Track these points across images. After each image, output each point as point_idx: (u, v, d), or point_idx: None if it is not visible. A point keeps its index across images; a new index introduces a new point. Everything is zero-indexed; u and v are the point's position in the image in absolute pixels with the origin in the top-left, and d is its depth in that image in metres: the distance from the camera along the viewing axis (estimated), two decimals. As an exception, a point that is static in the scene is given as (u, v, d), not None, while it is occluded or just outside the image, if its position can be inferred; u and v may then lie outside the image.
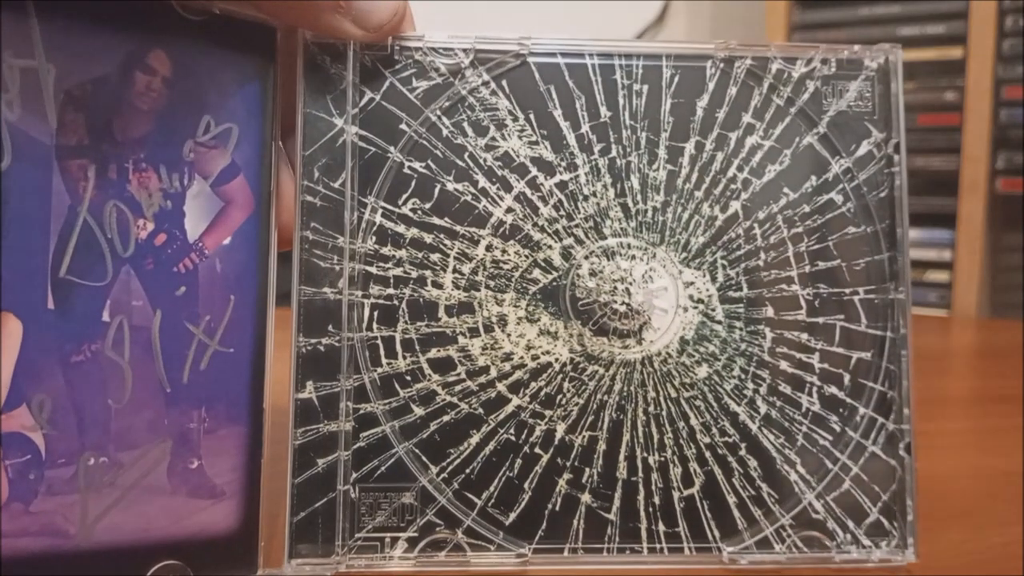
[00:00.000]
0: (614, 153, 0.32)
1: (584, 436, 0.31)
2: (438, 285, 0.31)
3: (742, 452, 0.31)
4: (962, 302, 1.29)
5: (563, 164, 0.31)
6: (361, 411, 0.30)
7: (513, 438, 0.31)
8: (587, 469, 0.31)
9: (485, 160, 0.31)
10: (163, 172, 0.28)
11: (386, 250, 0.31)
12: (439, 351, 0.31)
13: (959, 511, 0.31)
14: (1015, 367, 0.66)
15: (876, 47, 0.32)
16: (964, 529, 0.30)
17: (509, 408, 0.31)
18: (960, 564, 0.30)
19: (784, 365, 0.32)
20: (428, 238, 0.31)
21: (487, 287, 0.31)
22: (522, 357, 0.31)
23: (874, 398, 0.31)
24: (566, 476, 0.31)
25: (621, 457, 0.31)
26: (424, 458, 0.30)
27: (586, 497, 0.31)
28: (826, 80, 0.32)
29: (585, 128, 0.31)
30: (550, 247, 0.31)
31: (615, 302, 0.31)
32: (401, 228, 0.31)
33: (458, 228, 0.31)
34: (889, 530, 0.31)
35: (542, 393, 0.31)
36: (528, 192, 0.31)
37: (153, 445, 0.27)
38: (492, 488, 0.30)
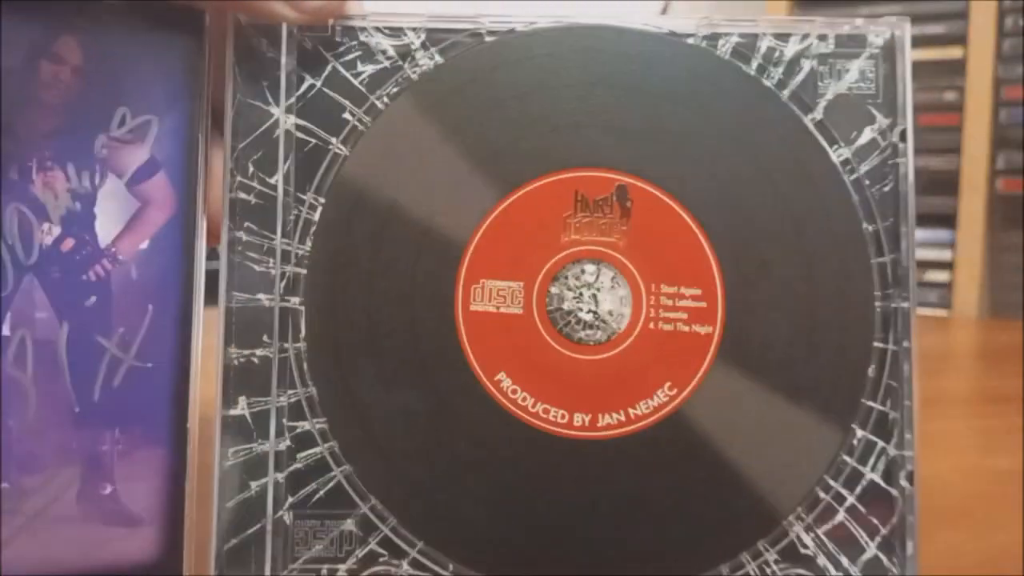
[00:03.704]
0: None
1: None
2: (384, 291, 0.28)
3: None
4: (962, 302, 1.29)
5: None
6: (298, 429, 0.28)
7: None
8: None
9: (437, 152, 0.28)
10: (71, 171, 0.25)
11: (327, 252, 0.28)
12: (385, 363, 0.28)
13: (959, 511, 0.29)
14: (1015, 367, 0.65)
15: (881, 20, 0.28)
16: (964, 529, 0.29)
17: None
18: (960, 564, 0.29)
19: (771, 380, 0.28)
20: (374, 239, 0.28)
21: (438, 293, 0.28)
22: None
23: (872, 419, 0.28)
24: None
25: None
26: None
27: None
28: (823, 59, 0.28)
29: (549, 115, 0.28)
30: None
31: (580, 310, 0.28)
32: (344, 228, 0.28)
33: (407, 228, 0.28)
34: (888, 567, 0.28)
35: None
36: (485, 187, 0.28)
37: (60, 469, 0.25)
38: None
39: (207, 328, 0.27)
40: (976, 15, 1.27)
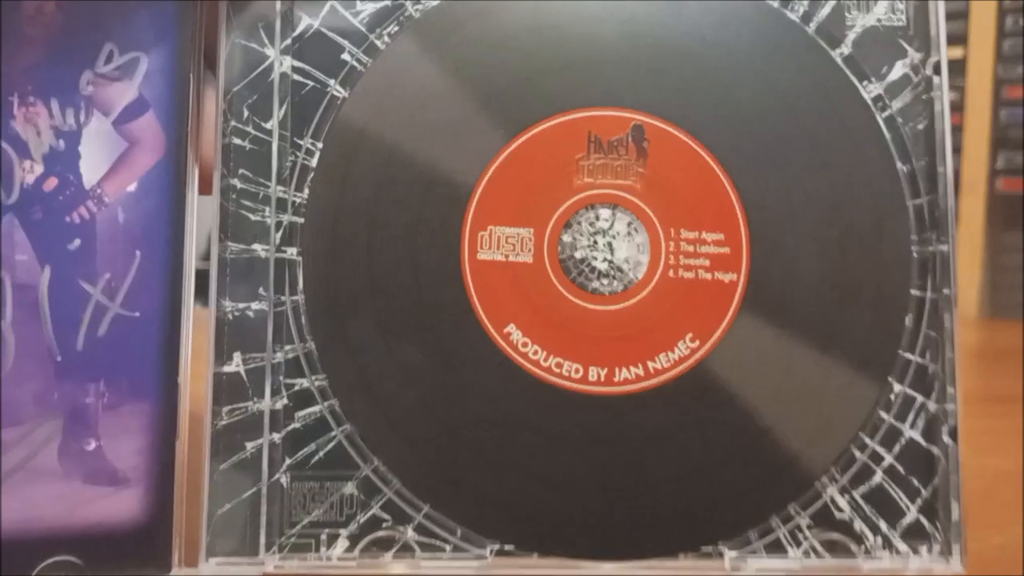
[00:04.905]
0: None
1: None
2: (386, 240, 0.27)
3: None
4: (962, 302, 1.23)
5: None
6: (296, 387, 0.26)
7: (474, 419, 0.26)
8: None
9: (442, 95, 0.27)
10: (55, 107, 0.24)
11: (326, 200, 0.26)
12: (388, 317, 0.26)
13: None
14: (1015, 367, 0.65)
15: (912, -51, 0.27)
16: (964, 529, 0.26)
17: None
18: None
19: (801, 333, 0.26)
20: (375, 186, 0.27)
21: (443, 242, 0.27)
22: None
23: (911, 372, 0.26)
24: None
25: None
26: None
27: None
28: (851, -9, 0.27)
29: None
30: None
31: (595, 258, 0.27)
32: (343, 175, 0.27)
33: (410, 174, 0.27)
34: (931, 533, 0.26)
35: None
36: (492, 131, 0.27)
37: (41, 422, 0.23)
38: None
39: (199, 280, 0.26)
40: (976, 15, 1.26)
